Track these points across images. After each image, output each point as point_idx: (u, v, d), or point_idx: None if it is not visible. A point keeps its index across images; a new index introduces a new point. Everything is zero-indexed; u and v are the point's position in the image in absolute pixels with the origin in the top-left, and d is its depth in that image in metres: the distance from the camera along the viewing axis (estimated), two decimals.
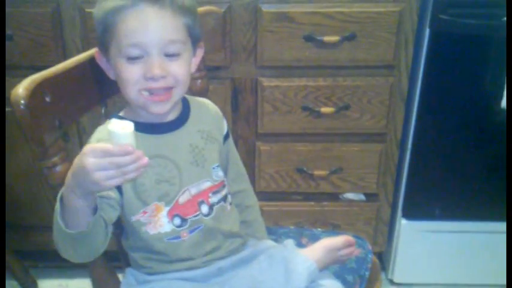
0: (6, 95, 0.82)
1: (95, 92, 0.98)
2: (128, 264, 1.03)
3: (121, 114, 0.96)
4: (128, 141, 0.70)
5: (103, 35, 0.87)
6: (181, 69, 0.89)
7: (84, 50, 1.17)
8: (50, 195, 1.62)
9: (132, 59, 0.86)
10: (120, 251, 1.07)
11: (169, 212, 0.94)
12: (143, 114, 0.92)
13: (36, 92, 0.80)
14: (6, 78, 1.37)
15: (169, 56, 0.87)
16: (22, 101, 0.78)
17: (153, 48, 0.85)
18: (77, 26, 1.44)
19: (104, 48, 0.89)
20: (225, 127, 1.06)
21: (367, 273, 1.09)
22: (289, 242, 1.06)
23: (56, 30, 1.45)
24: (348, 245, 1.06)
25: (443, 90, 1.50)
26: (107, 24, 0.86)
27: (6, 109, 1.48)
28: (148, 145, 0.91)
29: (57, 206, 0.79)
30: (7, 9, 1.40)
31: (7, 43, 1.44)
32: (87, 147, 0.71)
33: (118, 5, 0.84)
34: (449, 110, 1.52)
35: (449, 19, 1.39)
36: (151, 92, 0.88)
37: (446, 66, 1.47)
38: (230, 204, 1.04)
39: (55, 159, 0.86)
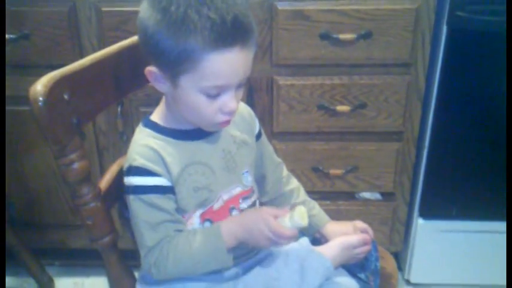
0: (24, 93, 0.82)
1: (112, 90, 0.98)
2: None
3: (153, 119, 0.94)
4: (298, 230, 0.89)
5: (175, 62, 0.81)
6: (242, 93, 0.90)
7: (100, 49, 1.17)
8: (67, 193, 1.64)
9: (213, 96, 0.85)
10: (137, 249, 1.07)
11: (202, 215, 0.94)
12: (180, 121, 0.92)
13: (55, 89, 0.80)
14: (23, 77, 1.38)
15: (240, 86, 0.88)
16: (40, 98, 0.77)
17: (233, 86, 0.85)
18: (93, 25, 1.45)
19: (169, 71, 0.84)
20: (256, 126, 1.06)
21: (377, 264, 1.08)
22: (305, 240, 1.05)
23: (72, 29, 1.46)
24: (364, 243, 1.06)
25: (460, 89, 1.48)
26: (187, 57, 0.80)
27: (24, 108, 1.50)
28: (186, 152, 0.91)
29: (220, 245, 0.90)
30: (24, 9, 1.42)
31: (24, 42, 1.45)
32: (271, 225, 0.88)
33: (208, 45, 0.79)
34: (466, 108, 1.50)
35: (466, 16, 1.37)
36: None
37: (463, 64, 1.45)
38: None
39: (72, 156, 0.86)
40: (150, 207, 0.89)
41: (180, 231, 0.92)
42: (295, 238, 0.91)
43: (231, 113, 0.88)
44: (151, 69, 0.86)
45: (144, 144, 0.90)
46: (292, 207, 0.91)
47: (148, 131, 0.93)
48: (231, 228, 0.91)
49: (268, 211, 0.91)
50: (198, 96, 0.84)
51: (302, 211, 0.89)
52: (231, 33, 0.79)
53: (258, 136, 1.06)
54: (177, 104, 0.89)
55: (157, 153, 0.89)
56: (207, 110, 0.86)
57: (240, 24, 0.80)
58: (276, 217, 0.90)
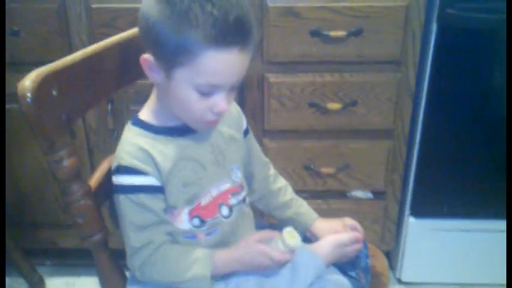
0: (12, 90, 0.81)
1: (102, 87, 0.97)
2: None
3: (141, 117, 0.94)
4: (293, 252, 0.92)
5: (173, 54, 0.81)
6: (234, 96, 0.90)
7: (89, 46, 1.17)
8: (57, 191, 1.63)
9: (205, 94, 0.84)
10: None
11: (190, 212, 0.94)
12: (170, 117, 0.92)
13: (43, 85, 0.79)
14: (12, 74, 1.37)
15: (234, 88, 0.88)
16: (29, 94, 0.77)
17: (227, 87, 0.85)
18: (83, 22, 1.44)
19: (165, 62, 0.84)
20: (244, 123, 1.06)
21: (368, 261, 1.08)
22: None
23: (62, 26, 1.45)
24: (355, 241, 1.06)
25: (451, 86, 1.48)
26: (186, 50, 0.80)
27: (13, 106, 1.48)
28: (176, 148, 0.91)
29: (206, 273, 0.91)
30: (13, 6, 1.41)
31: (14, 39, 1.44)
32: (270, 255, 0.90)
33: (208, 41, 0.79)
34: (457, 105, 1.51)
35: (456, 14, 1.38)
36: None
37: (454, 61, 1.45)
38: (248, 207, 1.04)
39: (62, 153, 0.85)
40: (138, 206, 0.89)
41: (169, 234, 0.93)
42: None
43: (220, 114, 0.88)
44: (146, 57, 0.86)
45: (133, 143, 0.90)
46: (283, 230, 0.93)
47: (137, 129, 0.92)
48: (226, 262, 0.92)
49: (257, 239, 0.93)
50: (190, 91, 0.84)
51: (291, 233, 0.91)
52: (231, 32, 0.79)
53: (246, 133, 1.06)
54: (167, 97, 0.89)
55: (147, 152, 0.89)
56: (197, 106, 0.86)
57: (241, 24, 0.80)
58: (262, 240, 0.92)
